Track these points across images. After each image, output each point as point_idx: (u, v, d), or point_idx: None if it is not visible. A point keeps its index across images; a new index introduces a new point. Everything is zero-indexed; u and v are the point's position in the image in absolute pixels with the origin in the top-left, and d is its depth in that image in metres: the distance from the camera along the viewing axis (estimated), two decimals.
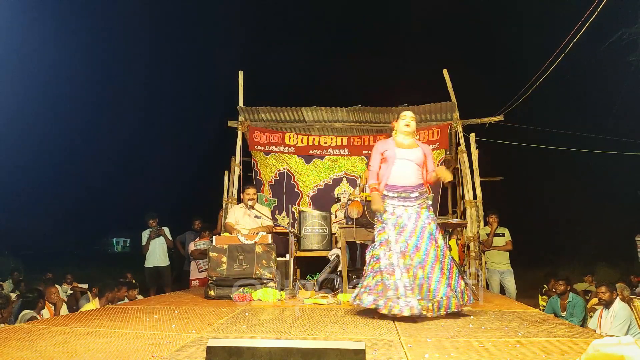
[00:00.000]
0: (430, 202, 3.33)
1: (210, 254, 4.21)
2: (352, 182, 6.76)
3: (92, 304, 4.62)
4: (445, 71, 6.71)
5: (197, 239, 6.22)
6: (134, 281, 6.63)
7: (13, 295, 5.96)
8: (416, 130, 6.61)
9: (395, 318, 2.86)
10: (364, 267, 3.21)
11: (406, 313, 2.81)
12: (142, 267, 6.41)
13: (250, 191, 4.91)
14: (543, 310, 4.90)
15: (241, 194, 5.05)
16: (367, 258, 3.21)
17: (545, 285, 6.59)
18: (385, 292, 2.92)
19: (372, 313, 3.22)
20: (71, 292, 6.22)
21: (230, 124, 7.08)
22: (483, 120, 6.82)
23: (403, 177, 3.21)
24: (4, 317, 4.07)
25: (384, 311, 2.89)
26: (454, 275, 3.09)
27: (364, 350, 1.49)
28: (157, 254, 6.20)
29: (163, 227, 6.27)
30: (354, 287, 4.05)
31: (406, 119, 3.35)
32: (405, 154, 3.25)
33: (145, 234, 6.24)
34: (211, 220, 6.84)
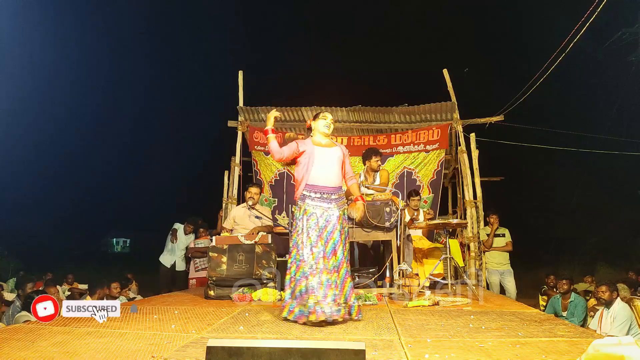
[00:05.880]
0: (346, 205, 3.20)
1: (210, 254, 4.21)
2: None
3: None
4: (445, 71, 6.70)
5: (196, 239, 6.22)
6: (133, 282, 6.63)
7: (13, 295, 5.95)
8: (416, 130, 6.74)
9: (312, 324, 2.72)
10: (288, 273, 3.00)
11: (322, 318, 2.70)
12: (143, 267, 6.40)
13: (253, 190, 4.90)
14: (543, 310, 4.90)
15: (245, 193, 5.04)
16: (289, 262, 3.04)
17: (544, 286, 6.59)
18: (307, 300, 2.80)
19: (372, 313, 3.22)
20: (69, 293, 6.21)
21: (230, 124, 7.07)
22: (483, 120, 6.81)
23: (324, 177, 3.10)
24: None
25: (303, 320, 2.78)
26: (350, 282, 3.03)
27: (364, 350, 1.49)
28: (176, 256, 6.19)
29: (175, 227, 6.29)
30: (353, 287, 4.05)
31: (327, 120, 3.22)
32: (325, 153, 3.15)
33: (177, 225, 6.28)
34: (211, 220, 6.84)
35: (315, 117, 3.31)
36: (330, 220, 3.01)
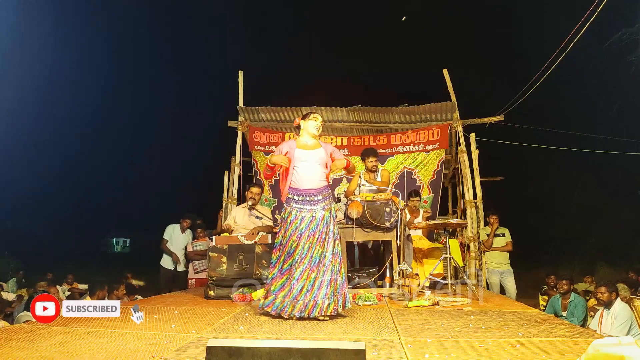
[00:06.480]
0: (334, 204, 3.25)
1: (210, 254, 4.21)
2: None
3: None
4: (445, 71, 6.70)
5: (194, 240, 6.19)
6: (133, 282, 6.63)
7: (13, 295, 5.96)
8: (416, 130, 6.74)
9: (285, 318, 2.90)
10: (270, 270, 3.15)
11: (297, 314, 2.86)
12: (143, 267, 6.39)
13: (254, 190, 4.88)
14: (543, 310, 4.89)
15: (246, 193, 5.04)
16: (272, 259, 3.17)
17: (545, 286, 6.59)
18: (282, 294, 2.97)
19: (372, 313, 3.22)
20: (69, 292, 6.22)
21: (230, 124, 7.07)
22: (483, 120, 6.80)
23: (306, 180, 3.14)
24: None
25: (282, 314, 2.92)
26: (341, 278, 3.06)
27: (364, 351, 1.50)
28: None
29: (165, 238, 6.23)
30: (353, 287, 4.06)
31: (317, 122, 3.25)
32: (307, 155, 3.18)
33: (170, 229, 6.15)
34: (211, 220, 6.83)
35: (305, 117, 3.30)
36: (312, 222, 3.06)
